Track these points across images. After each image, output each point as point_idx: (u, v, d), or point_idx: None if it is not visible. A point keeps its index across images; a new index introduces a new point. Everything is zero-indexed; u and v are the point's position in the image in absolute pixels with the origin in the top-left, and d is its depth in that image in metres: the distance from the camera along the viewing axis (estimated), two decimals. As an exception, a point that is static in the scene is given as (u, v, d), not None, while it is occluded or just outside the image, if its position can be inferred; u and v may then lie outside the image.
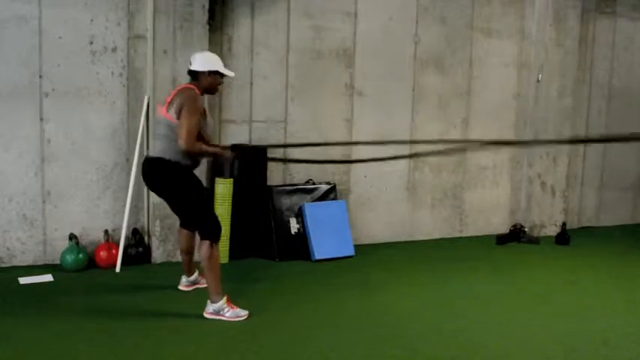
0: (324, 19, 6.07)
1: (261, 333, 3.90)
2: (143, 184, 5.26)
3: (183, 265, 4.68)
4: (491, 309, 4.58)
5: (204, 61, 4.21)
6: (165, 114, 4.13)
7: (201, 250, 4.10)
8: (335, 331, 3.99)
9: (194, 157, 4.18)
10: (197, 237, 4.35)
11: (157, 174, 4.19)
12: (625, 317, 4.49)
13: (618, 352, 3.83)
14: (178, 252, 5.24)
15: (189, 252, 4.61)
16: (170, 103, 4.13)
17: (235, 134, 5.78)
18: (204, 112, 4.20)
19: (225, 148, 4.74)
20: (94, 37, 5.15)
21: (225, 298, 4.10)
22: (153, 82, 5.19)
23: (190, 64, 4.22)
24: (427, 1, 6.54)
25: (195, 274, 4.70)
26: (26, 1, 4.91)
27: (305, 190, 5.97)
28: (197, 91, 4.15)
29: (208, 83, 4.22)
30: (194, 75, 4.21)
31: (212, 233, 4.13)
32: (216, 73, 4.23)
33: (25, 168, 5.04)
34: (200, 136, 4.14)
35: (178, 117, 4.03)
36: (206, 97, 5.33)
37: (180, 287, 4.69)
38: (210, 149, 4.28)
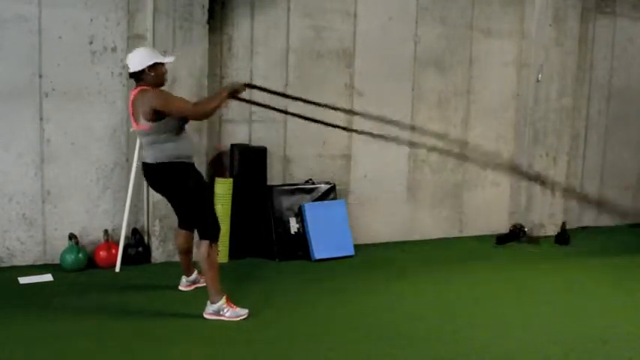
0: (324, 19, 6.07)
1: (261, 333, 3.90)
2: (143, 183, 5.28)
3: (182, 266, 4.68)
4: (491, 309, 4.58)
5: (139, 59, 4.11)
6: (138, 126, 4.12)
7: (200, 249, 4.10)
8: (335, 331, 3.99)
9: (209, 115, 4.14)
10: (195, 237, 4.34)
11: (161, 177, 4.19)
12: (625, 317, 4.49)
13: (618, 351, 3.84)
14: (178, 252, 5.25)
15: (187, 252, 4.61)
16: (134, 115, 4.10)
17: (235, 134, 5.78)
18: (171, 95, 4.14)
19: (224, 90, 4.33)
20: (94, 37, 5.15)
21: (224, 298, 4.10)
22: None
23: (128, 67, 4.13)
24: (427, 1, 6.54)
25: (195, 274, 4.71)
26: (26, 1, 4.90)
27: (305, 189, 5.96)
28: (149, 87, 4.08)
29: (153, 77, 4.12)
30: (137, 76, 4.12)
31: (211, 233, 4.13)
32: (156, 64, 4.13)
33: (25, 168, 5.04)
34: (184, 122, 4.14)
35: (152, 119, 3.99)
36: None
37: (181, 287, 4.69)
38: (215, 101, 4.12)
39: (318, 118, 6.03)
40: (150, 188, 5.24)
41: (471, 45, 6.85)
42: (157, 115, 3.99)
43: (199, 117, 4.02)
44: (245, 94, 4.39)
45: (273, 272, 5.32)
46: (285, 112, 5.35)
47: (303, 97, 6.00)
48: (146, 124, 4.04)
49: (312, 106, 6.01)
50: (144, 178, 4.38)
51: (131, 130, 4.69)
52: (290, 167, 6.08)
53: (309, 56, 6.05)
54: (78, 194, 5.22)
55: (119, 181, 5.31)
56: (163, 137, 4.04)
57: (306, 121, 6.04)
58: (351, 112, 5.90)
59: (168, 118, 4.03)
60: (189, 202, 4.25)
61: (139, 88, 4.12)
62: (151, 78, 4.11)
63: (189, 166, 4.20)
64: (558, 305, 4.73)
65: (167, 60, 4.24)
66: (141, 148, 4.39)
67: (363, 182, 6.44)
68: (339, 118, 6.20)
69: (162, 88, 4.19)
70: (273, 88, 5.87)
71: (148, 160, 4.18)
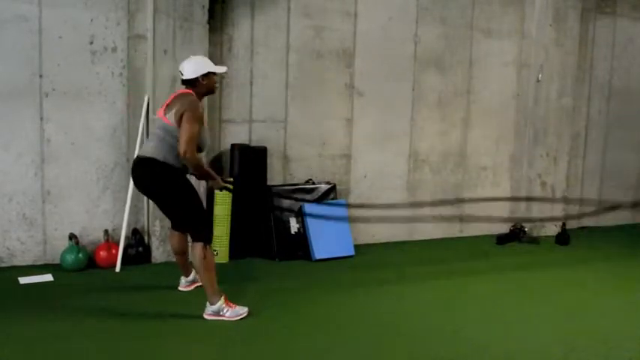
0: (324, 19, 6.07)
1: (261, 333, 3.90)
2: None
3: (179, 267, 4.67)
4: (491, 309, 4.58)
5: (194, 67, 4.15)
6: (162, 116, 4.11)
7: (194, 252, 4.07)
8: (335, 331, 3.99)
9: (189, 165, 4.14)
10: (189, 239, 4.33)
11: (148, 175, 4.13)
12: (625, 317, 4.49)
13: (618, 351, 3.84)
14: (173, 253, 5.25)
15: (182, 253, 4.58)
16: (168, 106, 4.11)
17: (235, 134, 5.79)
18: (202, 121, 4.14)
19: (224, 180, 4.56)
20: (94, 37, 5.15)
21: (223, 298, 4.09)
22: (153, 82, 5.18)
23: (181, 74, 4.18)
24: (427, 1, 6.54)
25: (193, 273, 4.69)
26: (26, 1, 4.91)
27: (305, 189, 5.97)
28: (196, 97, 4.12)
29: (205, 86, 4.19)
30: (189, 83, 4.16)
31: (204, 235, 4.10)
32: (209, 73, 4.19)
33: (25, 168, 5.04)
34: (200, 149, 4.14)
35: (177, 122, 3.99)
36: (205, 103, 5.37)
37: (180, 288, 4.68)
38: (207, 170, 4.22)
39: (317, 120, 6.09)
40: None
41: (471, 45, 6.85)
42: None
43: (186, 155, 3.96)
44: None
45: (273, 272, 5.32)
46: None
47: (303, 97, 6.05)
48: (172, 121, 4.01)
49: (312, 107, 6.07)
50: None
51: (153, 116, 4.63)
52: (290, 167, 6.08)
53: (309, 56, 6.05)
54: (78, 194, 5.22)
55: (119, 181, 5.31)
56: (173, 141, 4.02)
57: (306, 121, 6.10)
58: None
59: None
60: (178, 207, 4.19)
61: (186, 91, 4.16)
62: (202, 86, 4.17)
63: (180, 172, 4.14)
64: (558, 305, 4.73)
65: (220, 70, 4.31)
66: (143, 141, 4.37)
67: (363, 182, 6.44)
68: (340, 122, 6.25)
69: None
70: (273, 88, 5.93)
71: (145, 154, 4.13)
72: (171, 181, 4.12)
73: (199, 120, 4.03)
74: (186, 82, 4.18)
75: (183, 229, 4.44)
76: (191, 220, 4.17)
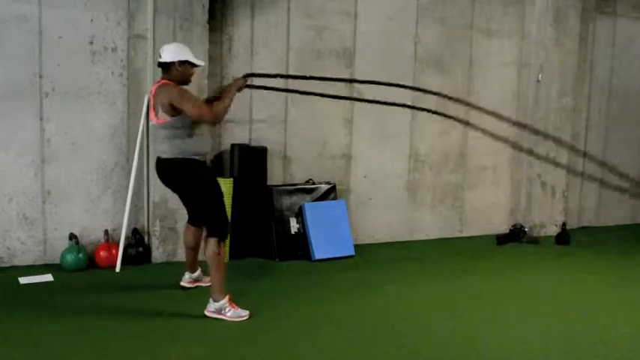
0: (324, 19, 6.07)
1: (261, 333, 3.90)
2: (143, 183, 5.29)
3: (187, 262, 4.69)
4: (491, 309, 4.58)
5: (173, 51, 4.18)
6: (156, 120, 4.16)
7: (208, 247, 4.11)
8: (335, 331, 3.99)
9: (219, 118, 4.18)
10: (204, 234, 4.35)
11: (173, 173, 4.21)
12: (625, 317, 4.49)
13: (617, 351, 3.84)
14: (178, 252, 5.27)
15: (194, 248, 4.62)
16: (154, 108, 4.15)
17: (235, 134, 5.78)
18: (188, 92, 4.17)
19: (231, 86, 4.38)
20: (94, 37, 5.15)
21: (227, 298, 4.10)
22: (153, 82, 5.17)
23: (160, 56, 4.21)
24: (427, 1, 6.54)
25: (199, 272, 4.71)
26: (26, 1, 4.91)
27: (305, 189, 5.97)
28: (171, 82, 4.15)
29: (180, 74, 4.19)
30: (165, 67, 4.19)
31: (220, 231, 4.14)
32: (186, 62, 4.20)
33: (25, 168, 5.04)
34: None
35: (168, 112, 4.04)
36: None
37: (182, 283, 4.69)
38: (228, 100, 4.16)
39: (317, 120, 6.05)
40: (150, 188, 5.27)
41: (471, 45, 6.85)
42: (175, 110, 4.05)
43: (217, 120, 4.12)
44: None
45: (273, 272, 5.32)
46: (292, 91, 5.32)
47: (303, 97, 6.02)
48: (165, 117, 4.08)
49: (312, 107, 6.05)
50: (156, 174, 4.35)
51: (151, 123, 4.68)
52: (290, 167, 6.08)
53: (309, 56, 6.05)
54: (78, 194, 5.22)
55: (119, 181, 5.31)
56: (180, 132, 4.09)
57: (307, 122, 6.09)
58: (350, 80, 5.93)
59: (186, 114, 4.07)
60: (198, 200, 4.27)
61: (161, 82, 4.18)
62: (177, 73, 4.18)
63: (202, 164, 4.23)
64: (558, 305, 4.73)
65: (198, 62, 4.30)
66: (155, 142, 4.40)
67: (363, 182, 6.44)
68: (340, 122, 6.24)
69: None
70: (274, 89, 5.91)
71: (163, 155, 4.21)
72: (197, 176, 4.19)
73: (188, 92, 4.09)
74: (162, 66, 4.21)
75: (200, 225, 4.46)
76: (209, 215, 4.21)
